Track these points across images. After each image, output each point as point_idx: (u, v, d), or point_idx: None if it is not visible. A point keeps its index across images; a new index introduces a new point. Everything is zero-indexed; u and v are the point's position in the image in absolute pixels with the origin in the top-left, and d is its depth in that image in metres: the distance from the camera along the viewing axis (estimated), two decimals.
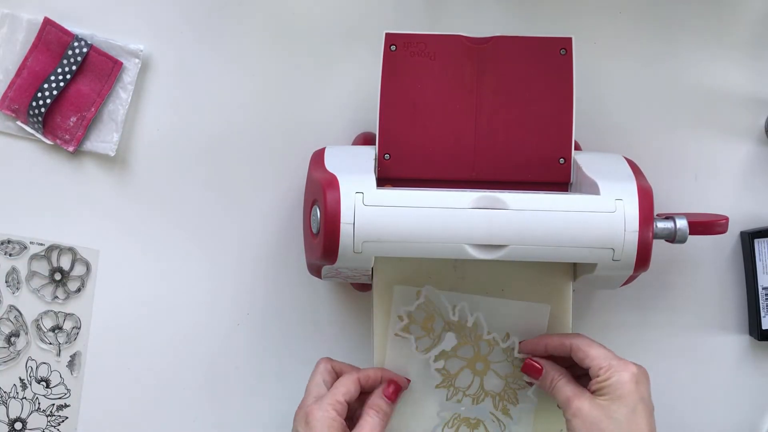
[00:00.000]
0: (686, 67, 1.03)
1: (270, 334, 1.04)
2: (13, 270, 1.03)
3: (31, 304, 1.04)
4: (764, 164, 1.04)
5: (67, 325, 1.04)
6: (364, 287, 1.01)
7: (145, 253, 1.03)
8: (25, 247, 1.03)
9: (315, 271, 0.95)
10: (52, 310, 1.04)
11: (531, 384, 0.94)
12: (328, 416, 0.89)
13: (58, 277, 1.04)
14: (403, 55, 0.95)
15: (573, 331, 0.95)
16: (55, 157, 1.03)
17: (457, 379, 0.94)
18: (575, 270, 0.94)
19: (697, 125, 1.04)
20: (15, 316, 1.04)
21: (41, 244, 1.03)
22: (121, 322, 1.04)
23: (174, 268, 1.04)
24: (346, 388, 0.91)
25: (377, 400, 0.92)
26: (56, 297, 1.04)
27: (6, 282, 1.03)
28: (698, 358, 1.05)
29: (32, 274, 1.03)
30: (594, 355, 0.89)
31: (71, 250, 1.03)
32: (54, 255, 1.03)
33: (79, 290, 1.04)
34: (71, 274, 1.03)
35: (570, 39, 0.95)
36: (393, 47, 0.95)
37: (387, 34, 0.95)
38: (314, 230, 0.89)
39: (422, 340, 0.94)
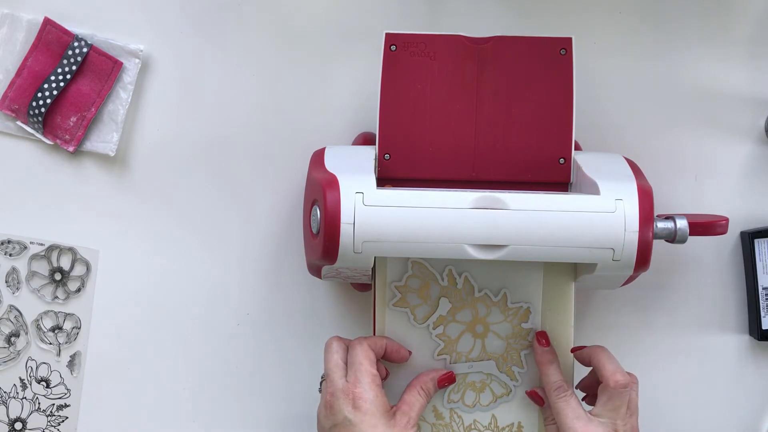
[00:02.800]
0: (686, 67, 1.03)
1: (270, 334, 1.04)
2: (13, 270, 1.03)
3: (31, 304, 1.04)
4: (764, 164, 1.04)
5: (67, 325, 1.04)
6: (364, 287, 1.01)
7: (145, 252, 1.03)
8: (25, 247, 1.03)
9: (315, 271, 0.95)
10: (52, 310, 1.04)
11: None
12: (378, 394, 0.89)
13: (58, 277, 1.04)
14: (403, 55, 0.95)
15: (574, 329, 0.95)
16: (55, 157, 1.03)
17: (458, 344, 0.95)
18: (575, 270, 0.94)
19: (697, 125, 1.04)
20: (15, 316, 1.04)
21: (41, 244, 1.03)
22: (121, 322, 1.04)
23: (174, 268, 1.04)
24: (369, 359, 0.90)
25: (429, 382, 0.93)
26: (56, 297, 1.04)
27: (6, 282, 1.03)
28: (698, 358, 1.05)
29: (32, 274, 1.03)
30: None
31: (71, 250, 1.03)
32: (54, 255, 1.03)
33: (79, 290, 1.04)
34: (71, 274, 1.03)
35: (570, 39, 0.95)
36: (393, 47, 0.95)
37: (387, 34, 0.95)
38: (314, 230, 0.89)
39: (420, 308, 0.94)
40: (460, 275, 0.94)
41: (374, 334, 0.95)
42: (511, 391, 0.95)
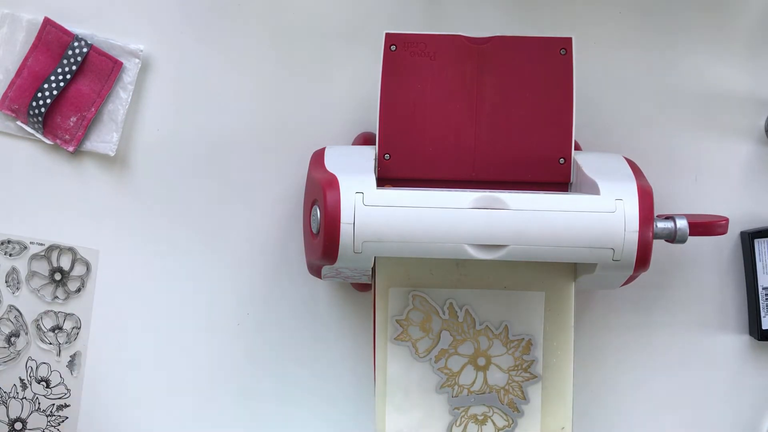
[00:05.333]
0: (686, 67, 1.03)
1: (270, 334, 1.04)
2: (13, 270, 1.03)
3: (31, 304, 1.04)
4: (764, 164, 1.04)
5: (67, 325, 1.04)
6: (364, 287, 1.01)
7: (145, 252, 1.03)
8: (25, 247, 1.03)
9: (315, 271, 0.95)
10: (52, 310, 1.04)
11: (535, 376, 0.95)
12: None
13: (58, 277, 1.04)
14: (403, 55, 0.95)
15: (574, 329, 0.95)
16: (55, 157, 1.03)
17: (460, 376, 0.94)
18: (575, 270, 0.94)
19: (697, 125, 1.04)
20: (15, 316, 1.04)
21: (41, 244, 1.03)
22: (121, 323, 1.04)
23: (173, 267, 1.04)
24: None
25: None
26: (56, 297, 1.04)
27: (6, 282, 1.03)
28: (698, 358, 1.05)
29: (32, 274, 1.03)
30: None
31: (71, 250, 1.03)
32: (54, 255, 1.03)
33: (79, 290, 1.04)
34: (71, 274, 1.03)
35: (570, 39, 0.95)
36: (393, 47, 0.95)
37: (387, 34, 0.95)
38: (314, 230, 0.89)
39: (422, 341, 0.94)
40: (461, 308, 0.94)
41: (375, 369, 0.94)
42: (513, 422, 0.95)
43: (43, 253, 1.03)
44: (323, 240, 0.87)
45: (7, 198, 1.03)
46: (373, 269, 0.93)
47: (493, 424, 0.95)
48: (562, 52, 0.95)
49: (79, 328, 1.04)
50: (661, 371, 1.04)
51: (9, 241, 1.03)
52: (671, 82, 1.03)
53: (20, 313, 1.04)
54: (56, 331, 1.04)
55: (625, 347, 1.04)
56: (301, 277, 1.03)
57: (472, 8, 1.03)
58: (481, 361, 0.95)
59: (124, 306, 1.04)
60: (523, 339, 0.94)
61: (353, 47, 1.02)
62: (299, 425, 1.04)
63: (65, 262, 1.03)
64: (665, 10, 1.03)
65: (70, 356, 1.04)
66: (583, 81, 1.00)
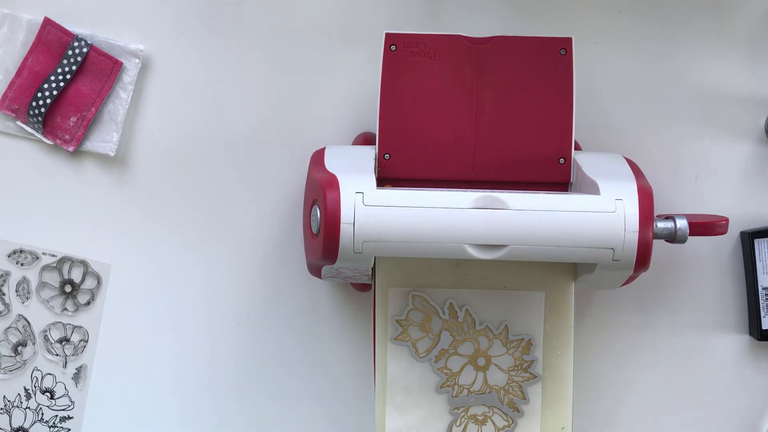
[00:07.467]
0: (686, 68, 1.03)
1: (270, 334, 1.04)
2: (24, 279, 1.03)
3: (40, 314, 1.03)
4: (764, 164, 1.04)
5: (75, 338, 1.03)
6: (364, 287, 1.01)
7: (144, 252, 1.03)
8: (37, 258, 1.03)
9: (315, 271, 0.95)
10: (60, 322, 1.03)
11: (535, 376, 0.95)
12: None
13: (68, 289, 1.03)
14: (403, 55, 0.96)
15: (574, 329, 0.95)
16: (55, 157, 1.03)
17: (460, 376, 0.94)
18: (575, 270, 0.94)
19: (697, 125, 1.04)
20: (23, 326, 1.03)
21: (53, 256, 1.03)
22: (123, 327, 1.04)
23: (173, 267, 1.04)
24: None
25: None
26: (65, 309, 1.03)
27: (16, 291, 1.03)
28: (698, 358, 1.05)
29: (43, 284, 1.03)
30: None
31: (83, 263, 1.03)
32: (66, 267, 1.03)
33: (88, 303, 1.03)
34: (82, 287, 1.03)
35: (570, 39, 0.95)
36: (393, 47, 0.95)
37: (387, 34, 0.95)
38: (314, 230, 0.89)
39: (422, 342, 0.94)
40: (461, 308, 0.94)
41: (375, 369, 0.94)
42: (513, 422, 0.95)
43: (54, 265, 1.03)
44: (323, 240, 0.87)
45: (5, 198, 1.03)
46: (373, 269, 0.94)
47: (493, 424, 0.95)
48: (562, 52, 0.95)
49: (87, 341, 1.04)
50: (661, 371, 1.04)
51: (21, 251, 1.03)
52: (671, 82, 1.03)
53: (29, 323, 1.03)
54: (63, 343, 1.04)
55: (625, 347, 1.04)
56: (301, 277, 1.03)
57: (472, 8, 1.03)
58: (481, 361, 0.95)
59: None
60: (523, 339, 0.94)
61: (353, 47, 1.02)
62: (299, 425, 1.04)
63: (76, 275, 1.03)
64: (665, 10, 1.03)
65: (76, 368, 1.04)
66: (583, 81, 1.00)
